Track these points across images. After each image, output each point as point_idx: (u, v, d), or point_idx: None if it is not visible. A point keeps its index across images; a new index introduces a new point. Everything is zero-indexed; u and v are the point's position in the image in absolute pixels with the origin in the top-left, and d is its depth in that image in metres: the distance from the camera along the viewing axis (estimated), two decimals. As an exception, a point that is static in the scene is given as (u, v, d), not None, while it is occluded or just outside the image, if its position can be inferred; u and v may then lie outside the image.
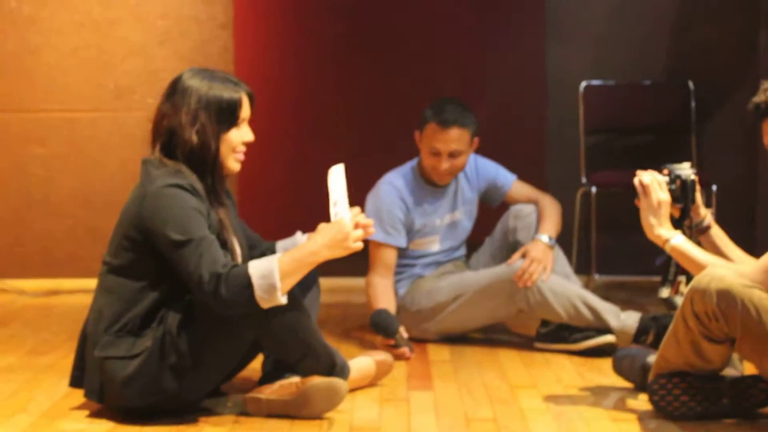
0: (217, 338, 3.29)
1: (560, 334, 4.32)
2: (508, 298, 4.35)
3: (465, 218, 4.66)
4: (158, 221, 3.27)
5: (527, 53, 5.66)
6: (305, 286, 3.52)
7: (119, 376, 3.29)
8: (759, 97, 3.36)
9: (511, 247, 4.53)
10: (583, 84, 5.66)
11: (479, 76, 5.64)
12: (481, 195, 4.69)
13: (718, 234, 3.55)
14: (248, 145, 3.49)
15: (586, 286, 4.78)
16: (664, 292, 3.51)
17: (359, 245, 3.37)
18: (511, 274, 4.33)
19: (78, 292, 5.49)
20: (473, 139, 4.49)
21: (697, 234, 3.53)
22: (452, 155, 4.45)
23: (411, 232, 4.56)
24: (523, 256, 4.37)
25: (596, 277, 5.58)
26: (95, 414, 3.44)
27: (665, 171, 3.52)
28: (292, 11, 5.70)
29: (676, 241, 3.41)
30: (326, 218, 3.41)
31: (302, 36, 5.69)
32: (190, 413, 3.40)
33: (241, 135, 3.45)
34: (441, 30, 5.66)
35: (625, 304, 4.53)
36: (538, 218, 4.52)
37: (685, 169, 3.52)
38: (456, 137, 4.43)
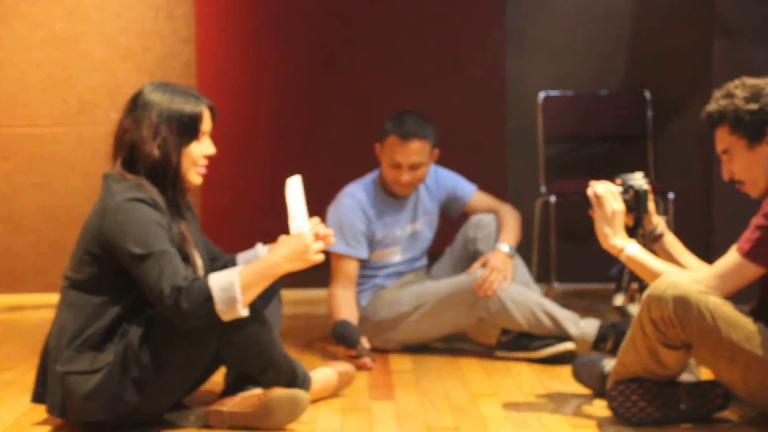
0: (178, 351, 3.30)
1: (520, 342, 4.36)
2: (468, 307, 4.38)
3: (426, 229, 4.70)
4: (119, 235, 3.28)
5: (487, 64, 5.70)
6: (267, 297, 3.54)
7: (81, 391, 3.29)
8: (711, 106, 3.42)
9: (471, 256, 4.57)
10: (542, 94, 5.71)
11: (440, 87, 5.67)
12: (442, 205, 4.73)
13: (671, 242, 3.61)
14: (210, 159, 3.51)
15: (546, 294, 4.81)
16: (618, 300, 3.56)
17: (320, 257, 3.40)
18: (471, 283, 4.37)
19: (42, 307, 5.47)
20: (433, 150, 4.53)
21: (651, 242, 3.58)
22: (413, 167, 4.49)
23: (372, 243, 4.59)
24: (484, 265, 4.41)
25: (556, 285, 5.63)
26: (58, 429, 3.44)
27: (618, 181, 3.57)
28: (254, 25, 5.72)
29: (631, 249, 3.45)
30: (288, 231, 3.43)
31: (265, 50, 5.71)
32: (152, 427, 3.41)
33: (202, 148, 3.46)
34: (402, 42, 5.69)
35: (584, 312, 4.57)
36: (498, 228, 4.55)
37: (638, 179, 3.57)
38: (416, 149, 4.46)
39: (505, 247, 4.45)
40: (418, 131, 4.45)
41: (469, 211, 4.70)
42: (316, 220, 3.48)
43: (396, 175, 4.50)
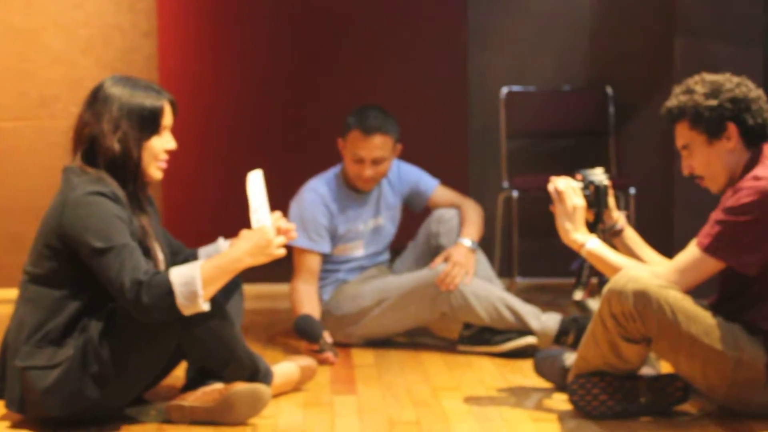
0: (139, 346, 3.29)
1: (483, 336, 4.37)
2: (431, 302, 4.38)
3: (388, 223, 4.70)
4: (79, 229, 3.26)
5: (450, 59, 5.71)
6: (228, 292, 3.54)
7: (40, 386, 3.27)
8: (671, 102, 3.44)
9: (433, 251, 4.57)
10: (505, 90, 5.73)
11: (402, 82, 5.68)
12: (404, 200, 4.73)
13: (631, 236, 3.63)
14: (172, 153, 3.50)
15: (509, 289, 4.83)
16: (578, 295, 3.58)
17: (282, 251, 3.40)
18: (434, 277, 4.37)
19: (1, 302, 5.41)
20: (396, 145, 4.53)
21: (611, 237, 3.60)
22: (375, 162, 4.49)
23: (335, 238, 4.58)
24: (446, 260, 4.42)
25: (518, 279, 5.65)
26: (16, 425, 3.41)
27: (579, 176, 3.59)
28: (216, 19, 5.70)
29: (592, 244, 3.47)
30: (249, 225, 3.42)
31: (226, 44, 5.69)
32: (113, 422, 3.39)
33: (163, 143, 3.45)
34: (364, 36, 5.69)
35: (546, 306, 4.60)
36: (461, 222, 4.56)
37: (598, 175, 3.59)
38: (379, 144, 4.46)
39: (467, 242, 4.46)
40: (381, 126, 4.45)
41: (431, 205, 4.71)
42: (278, 214, 3.48)
43: (358, 170, 4.50)
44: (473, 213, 4.60)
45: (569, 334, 4.25)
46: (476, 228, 4.55)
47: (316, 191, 4.57)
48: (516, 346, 4.29)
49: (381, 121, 4.46)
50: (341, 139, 4.54)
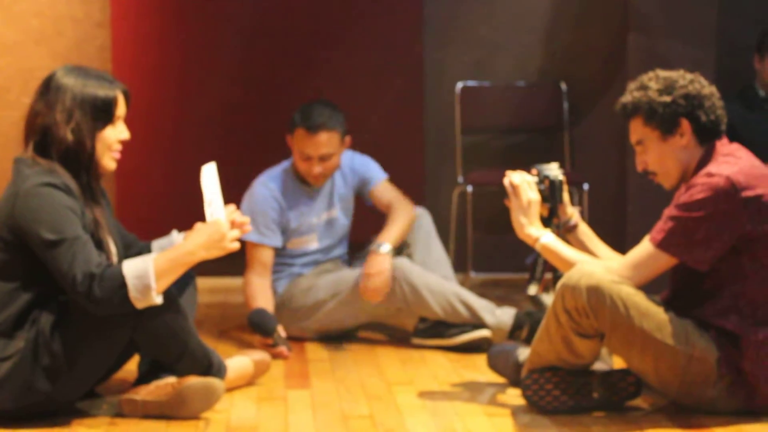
0: (91, 339, 3.26)
1: (437, 329, 4.37)
2: (387, 296, 4.38)
3: (342, 215, 4.68)
4: (31, 221, 3.23)
5: (405, 54, 5.71)
6: (182, 285, 3.52)
7: (-10, 379, 3.24)
8: (626, 98, 3.46)
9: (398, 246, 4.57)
10: (460, 85, 5.74)
11: (357, 77, 5.67)
12: (356, 191, 4.71)
13: (585, 232, 3.65)
14: (126, 144, 3.47)
15: (463, 283, 4.83)
16: (532, 290, 3.59)
17: (236, 245, 3.38)
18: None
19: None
20: (344, 138, 4.51)
21: (565, 232, 3.62)
22: (323, 158, 4.46)
23: (287, 232, 4.57)
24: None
25: (472, 274, 5.66)
26: (-34, 418, 3.39)
27: (534, 171, 3.60)
28: (170, 10, 5.66)
29: (546, 239, 3.48)
30: (204, 218, 3.41)
31: (180, 35, 5.66)
32: (64, 415, 3.37)
33: (116, 133, 3.42)
34: (319, 30, 5.68)
35: (500, 301, 4.61)
36: (385, 224, 4.53)
37: (553, 170, 3.60)
38: (325, 141, 4.43)
39: (384, 248, 4.42)
40: (326, 122, 4.42)
41: (372, 198, 4.66)
42: (232, 207, 3.46)
43: (307, 167, 4.48)
44: (400, 217, 4.53)
45: (523, 328, 4.27)
46: (396, 232, 4.48)
47: (266, 186, 4.54)
48: (470, 338, 4.30)
49: (325, 117, 4.42)
50: (289, 136, 4.52)
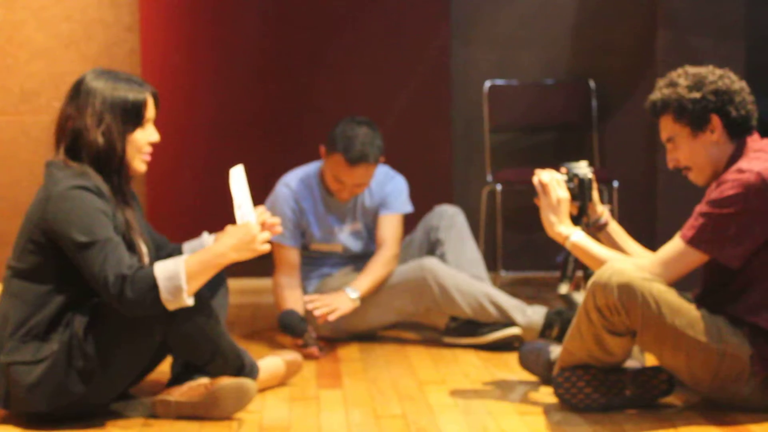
0: (124, 341, 3.28)
1: (468, 328, 4.37)
2: (416, 297, 4.38)
3: (364, 229, 4.63)
4: (63, 223, 3.25)
5: (432, 54, 5.71)
6: (213, 286, 3.53)
7: (25, 382, 3.26)
8: (655, 95, 3.44)
9: (433, 244, 4.56)
10: (488, 84, 5.73)
11: (386, 77, 5.68)
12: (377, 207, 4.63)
13: (615, 230, 3.63)
14: (156, 147, 3.48)
15: (493, 282, 4.82)
16: (563, 289, 3.58)
17: (266, 247, 3.38)
18: (419, 272, 4.37)
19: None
20: (379, 160, 4.46)
21: (595, 231, 3.61)
22: (357, 186, 4.46)
23: (308, 235, 4.55)
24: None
25: (502, 273, 5.66)
26: (1, 421, 3.40)
27: (563, 169, 3.59)
28: (198, 13, 5.69)
29: (576, 237, 3.48)
30: (233, 220, 3.42)
31: (209, 38, 5.68)
32: (98, 417, 3.39)
33: (146, 135, 3.44)
34: (348, 30, 5.68)
35: (531, 300, 4.62)
36: (361, 271, 4.47)
37: (582, 168, 3.59)
38: (362, 174, 4.39)
39: (352, 293, 4.37)
40: (367, 156, 4.34)
41: (375, 225, 4.57)
42: (262, 209, 3.48)
43: (338, 189, 4.46)
44: (379, 267, 4.43)
45: (554, 327, 4.26)
46: (372, 284, 4.41)
47: (289, 186, 4.52)
48: (501, 336, 4.30)
49: (367, 149, 4.33)
50: (324, 149, 4.45)
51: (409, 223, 4.69)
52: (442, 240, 4.54)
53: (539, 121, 5.81)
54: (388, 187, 4.58)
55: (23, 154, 5.63)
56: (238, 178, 3.44)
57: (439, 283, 4.34)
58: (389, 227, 4.54)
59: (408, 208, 4.60)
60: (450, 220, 4.56)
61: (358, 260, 4.65)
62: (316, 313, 4.31)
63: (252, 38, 5.69)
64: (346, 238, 4.60)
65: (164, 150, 3.71)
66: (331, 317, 4.31)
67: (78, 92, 3.39)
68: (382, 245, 4.51)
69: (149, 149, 3.46)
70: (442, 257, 4.51)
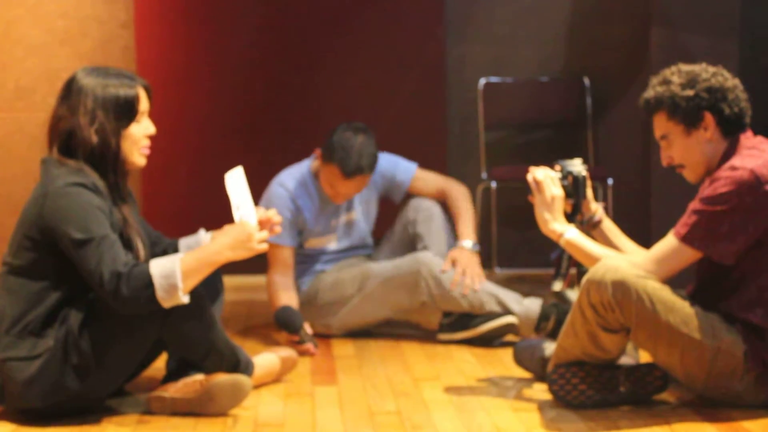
0: (119, 337, 3.28)
1: (462, 321, 4.36)
2: (411, 291, 4.38)
3: (362, 219, 4.65)
4: (59, 220, 3.26)
5: (428, 51, 5.72)
6: (208, 284, 3.53)
7: (20, 377, 3.27)
8: (648, 93, 3.45)
9: (410, 239, 4.57)
10: (482, 81, 5.74)
11: (381, 74, 5.68)
12: (382, 193, 4.70)
13: (609, 227, 3.64)
14: (151, 143, 3.48)
15: (487, 279, 4.83)
16: (557, 286, 3.59)
17: (264, 246, 3.38)
18: (414, 266, 4.37)
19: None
20: (374, 169, 4.47)
21: (589, 228, 3.62)
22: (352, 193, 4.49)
23: (305, 232, 4.56)
24: (453, 263, 4.39)
25: (497, 270, 5.67)
26: (-3, 416, 3.42)
27: (557, 167, 3.60)
28: (193, 10, 5.69)
29: (570, 234, 3.49)
30: (229, 216, 3.42)
31: (204, 35, 5.68)
32: (94, 413, 3.39)
33: (142, 129, 3.44)
34: (342, 28, 5.69)
35: (525, 297, 4.60)
36: (453, 219, 4.53)
37: (576, 165, 3.60)
38: (358, 184, 4.43)
39: (468, 244, 4.44)
40: (363, 168, 4.37)
41: (414, 192, 4.64)
42: (262, 209, 3.49)
43: (333, 194, 4.48)
44: (462, 205, 4.55)
45: (550, 319, 4.25)
46: (471, 223, 4.51)
47: (284, 185, 4.53)
48: (496, 325, 4.29)
49: (364, 162, 4.36)
50: (320, 153, 4.46)
51: (389, 215, 4.69)
52: (421, 234, 4.53)
53: (534, 118, 5.82)
54: (385, 168, 4.60)
55: (18, 150, 5.61)
56: (236, 180, 3.44)
57: (435, 276, 4.35)
58: (425, 179, 4.62)
59: (413, 163, 4.64)
60: (427, 212, 4.55)
61: (350, 252, 4.66)
62: (465, 290, 4.30)
63: (247, 35, 5.69)
64: (341, 229, 4.61)
65: (159, 146, 3.70)
66: (477, 286, 4.32)
67: (69, 91, 3.39)
68: (444, 191, 4.58)
69: (147, 142, 3.46)
70: (425, 251, 4.50)
